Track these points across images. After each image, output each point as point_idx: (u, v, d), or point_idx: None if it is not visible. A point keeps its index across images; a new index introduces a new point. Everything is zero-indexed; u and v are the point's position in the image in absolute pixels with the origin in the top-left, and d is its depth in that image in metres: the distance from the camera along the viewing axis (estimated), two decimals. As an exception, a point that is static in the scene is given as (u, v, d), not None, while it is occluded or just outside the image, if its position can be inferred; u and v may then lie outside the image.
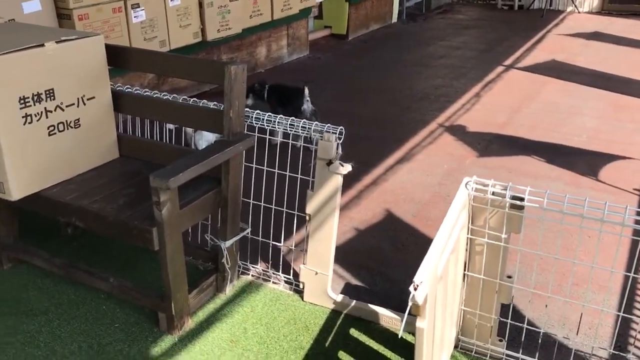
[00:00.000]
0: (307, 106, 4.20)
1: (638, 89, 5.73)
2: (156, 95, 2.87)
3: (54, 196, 2.56)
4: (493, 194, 2.10)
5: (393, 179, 3.91)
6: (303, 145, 2.82)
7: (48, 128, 2.53)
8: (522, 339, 2.33)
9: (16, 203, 2.54)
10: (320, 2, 7.41)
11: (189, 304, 2.55)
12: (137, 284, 2.64)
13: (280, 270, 2.83)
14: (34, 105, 2.46)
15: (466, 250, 2.25)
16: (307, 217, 2.63)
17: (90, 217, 2.49)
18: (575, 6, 9.74)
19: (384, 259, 3.04)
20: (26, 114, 2.43)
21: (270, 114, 2.67)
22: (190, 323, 2.55)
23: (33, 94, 2.44)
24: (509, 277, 2.24)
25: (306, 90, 4.20)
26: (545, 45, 7.55)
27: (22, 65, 2.39)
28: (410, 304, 1.72)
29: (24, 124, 2.44)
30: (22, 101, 2.40)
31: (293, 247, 2.89)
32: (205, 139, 3.72)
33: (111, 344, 2.43)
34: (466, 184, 2.14)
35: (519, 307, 2.51)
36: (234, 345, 2.44)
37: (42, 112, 2.49)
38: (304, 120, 2.61)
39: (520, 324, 2.28)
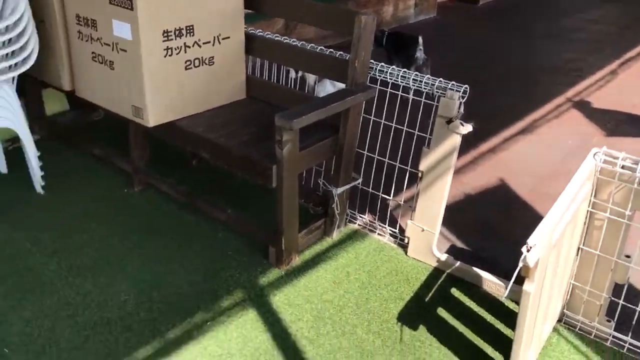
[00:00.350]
0: (420, 54, 4.41)
1: None
2: (286, 40, 2.96)
3: (185, 127, 2.74)
4: (623, 167, 2.00)
5: (512, 149, 3.79)
6: (424, 102, 2.81)
7: (185, 62, 2.70)
8: (633, 323, 2.22)
9: (151, 130, 2.75)
10: (453, -36, 7.18)
11: (298, 242, 2.67)
12: (251, 219, 2.80)
13: (387, 223, 2.87)
14: (175, 39, 2.62)
15: (584, 223, 2.17)
16: (420, 174, 2.64)
17: (216, 150, 2.65)
18: None
19: (493, 227, 3.00)
20: (167, 47, 2.61)
21: (394, 67, 2.68)
22: (297, 260, 2.67)
23: (175, 28, 2.61)
24: (627, 256, 2.14)
25: (420, 39, 4.40)
26: (699, 25, 6.87)
27: (170, 1, 2.55)
28: (520, 265, 1.71)
29: (165, 57, 2.62)
30: (165, 34, 2.58)
31: (402, 203, 2.92)
32: (326, 90, 3.79)
33: (223, 269, 2.61)
34: (594, 154, 2.05)
35: (634, 289, 2.39)
36: (336, 287, 2.53)
37: (181, 47, 2.66)
38: (428, 75, 2.59)
39: (634, 307, 2.18)
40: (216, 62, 2.82)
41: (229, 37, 2.83)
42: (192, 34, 2.68)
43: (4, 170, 3.26)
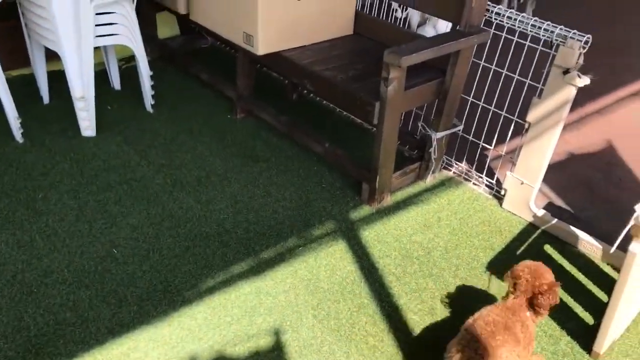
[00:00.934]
0: None
1: None
2: (400, -24, 2.88)
3: (293, 58, 2.77)
4: None
5: (623, 112, 3.58)
6: (540, 50, 2.68)
7: (298, -7, 2.71)
8: None
9: (259, 58, 2.81)
10: None
11: (392, 182, 2.68)
12: (348, 154, 2.83)
13: (484, 174, 2.82)
14: (291, -32, 2.62)
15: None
16: (526, 125, 2.55)
17: (320, 83, 2.67)
18: None
19: (595, 190, 2.88)
20: (283, -25, 2.62)
21: (512, 10, 2.56)
22: (389, 200, 2.69)
23: (292, -43, 2.60)
24: None
25: None
26: None
27: None
28: (632, 223, 1.64)
29: (279, -15, 2.63)
30: (282, -37, 2.58)
31: (503, 154, 2.85)
32: (427, 33, 3.69)
33: (317, 200, 2.68)
34: None
35: None
36: (426, 229, 2.54)
37: (296, -23, 2.66)
38: (548, 22, 2.46)
39: None
40: (327, -5, 2.81)
41: (342, -30, 2.80)
42: (307, -36, 2.67)
43: (118, 87, 3.44)
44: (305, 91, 3.43)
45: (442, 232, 2.53)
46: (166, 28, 3.91)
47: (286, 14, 2.72)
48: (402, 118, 3.10)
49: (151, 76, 3.19)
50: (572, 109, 3.54)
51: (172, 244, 2.39)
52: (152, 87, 3.21)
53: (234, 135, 3.10)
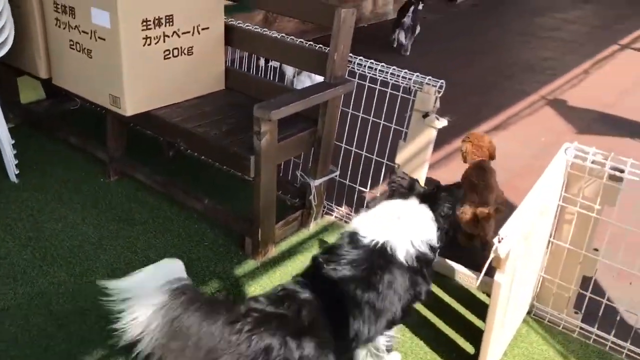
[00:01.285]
0: (408, 20, 5.22)
1: None
2: (266, 32, 2.96)
3: (163, 116, 2.73)
4: (593, 162, 2.05)
5: (486, 145, 3.85)
6: (401, 96, 2.84)
7: (164, 52, 2.70)
8: (599, 315, 2.29)
9: (128, 119, 2.74)
10: (433, -39, 7.22)
11: (275, 233, 2.68)
12: (228, 209, 2.81)
13: (363, 216, 2.90)
14: (155, 28, 2.61)
15: (555, 217, 2.23)
16: (396, 167, 2.67)
17: (193, 140, 2.65)
18: None
19: (467, 220, 3.04)
20: (147, 36, 2.60)
21: (372, 61, 2.70)
22: (273, 251, 2.69)
23: (155, 17, 2.60)
24: (596, 250, 2.20)
25: (412, 8, 5.28)
26: (671, 28, 7.03)
27: (149, -11, 2.54)
28: (492, 255, 1.75)
29: (144, 45, 2.61)
30: (144, 23, 2.57)
31: (378, 195, 2.95)
32: (304, 83, 3.80)
33: (199, 259, 2.62)
34: (566, 149, 2.11)
35: (601, 282, 2.46)
36: (311, 278, 2.56)
37: (160, 36, 2.65)
38: (406, 70, 2.62)
39: (600, 299, 2.24)
40: (195, 53, 2.82)
41: (208, 28, 2.83)
42: (171, 23, 2.67)
43: (-23, 157, 3.21)
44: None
45: (327, 278, 2.56)
46: (30, 92, 3.73)
47: (153, 73, 2.69)
48: (282, 167, 3.14)
49: (14, 144, 3.01)
50: (440, 145, 3.76)
51: (44, 323, 2.22)
52: (16, 155, 3.03)
53: (109, 199, 2.98)
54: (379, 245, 1.79)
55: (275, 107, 2.35)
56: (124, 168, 3.12)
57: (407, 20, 5.21)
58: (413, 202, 1.90)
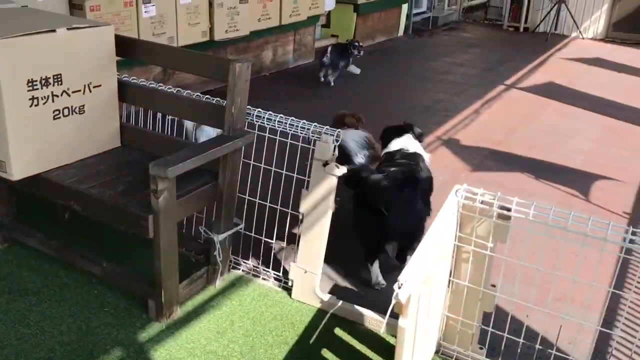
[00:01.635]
0: (327, 59, 6.12)
1: (635, 116, 5.81)
2: (161, 87, 2.93)
3: (54, 179, 2.61)
4: (482, 202, 2.16)
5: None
6: (301, 146, 2.88)
7: (53, 112, 2.59)
8: (502, 348, 2.37)
9: (16, 183, 2.59)
10: (329, 11, 7.50)
11: (179, 293, 2.59)
12: (129, 271, 2.69)
13: (271, 267, 2.88)
14: (41, 88, 2.51)
15: (452, 257, 2.31)
16: (301, 216, 2.69)
17: (88, 202, 2.54)
18: (580, 32, 9.84)
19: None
20: (33, 96, 2.49)
21: (270, 112, 2.73)
22: (178, 312, 2.60)
23: (41, 77, 2.50)
24: (493, 285, 2.30)
25: (329, 49, 6.16)
26: (548, 68, 7.64)
27: (33, 49, 2.45)
28: (393, 302, 1.78)
29: (30, 106, 2.49)
30: (30, 84, 2.46)
31: (285, 246, 2.94)
32: (206, 134, 3.77)
33: (100, 327, 2.48)
34: (456, 191, 2.20)
35: (500, 316, 2.56)
36: (220, 336, 2.48)
37: (48, 96, 2.55)
38: (304, 121, 2.67)
39: (501, 333, 2.33)
40: (87, 111, 2.73)
41: (100, 85, 2.76)
42: (60, 82, 2.58)
43: None
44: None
45: (236, 336, 2.50)
46: None
47: (42, 134, 2.58)
48: (185, 223, 3.07)
49: None
50: (344, 189, 3.82)
51: None
52: None
53: (-3, 269, 2.78)
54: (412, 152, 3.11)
55: (172, 164, 2.31)
56: (15, 234, 2.93)
57: (325, 60, 6.15)
58: (408, 135, 3.24)
